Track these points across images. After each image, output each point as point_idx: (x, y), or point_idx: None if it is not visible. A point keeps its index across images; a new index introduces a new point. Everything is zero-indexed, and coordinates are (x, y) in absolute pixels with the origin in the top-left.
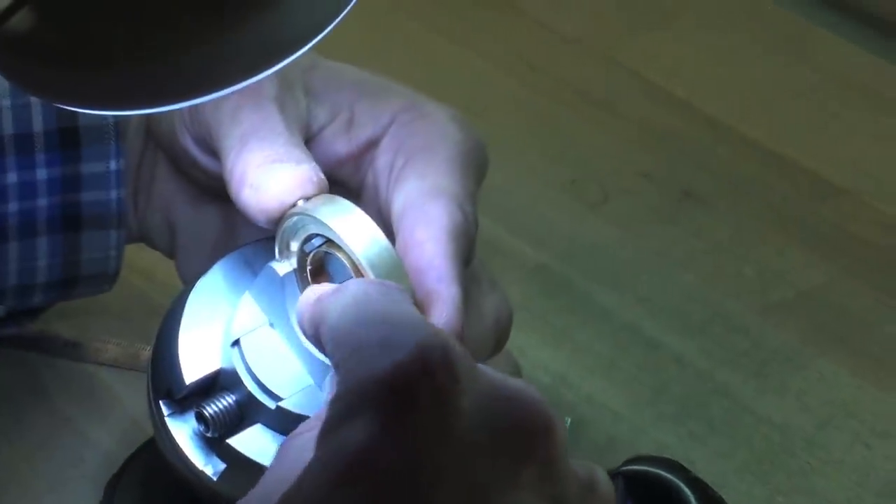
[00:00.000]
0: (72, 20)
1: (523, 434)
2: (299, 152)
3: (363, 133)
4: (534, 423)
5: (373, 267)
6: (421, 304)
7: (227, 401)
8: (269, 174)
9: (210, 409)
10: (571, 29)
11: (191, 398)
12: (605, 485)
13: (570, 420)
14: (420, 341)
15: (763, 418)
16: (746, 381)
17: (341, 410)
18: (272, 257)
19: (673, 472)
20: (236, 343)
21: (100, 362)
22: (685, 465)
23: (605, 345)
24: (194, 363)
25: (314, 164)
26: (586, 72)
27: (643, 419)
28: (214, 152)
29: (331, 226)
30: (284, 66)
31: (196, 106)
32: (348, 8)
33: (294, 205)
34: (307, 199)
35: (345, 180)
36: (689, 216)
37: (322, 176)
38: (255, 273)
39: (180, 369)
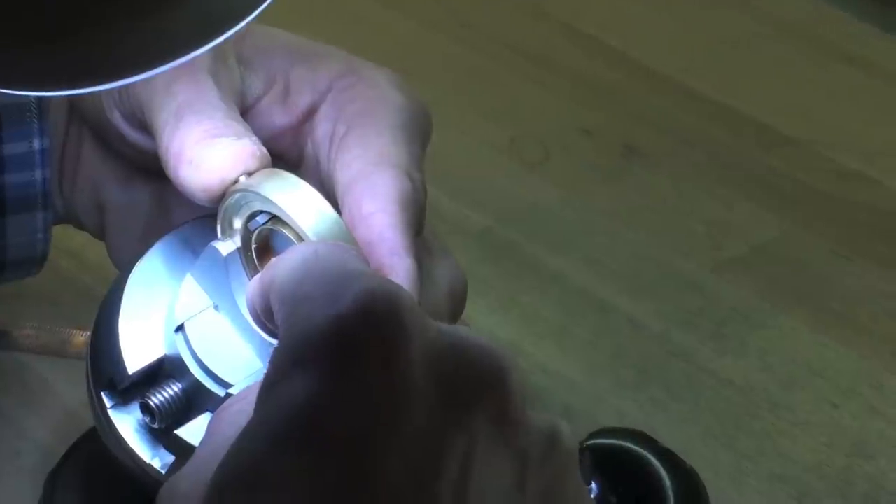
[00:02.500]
0: None
1: (474, 383)
2: (238, 125)
3: (300, 102)
4: (485, 371)
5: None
6: None
7: (173, 389)
8: (209, 149)
9: (155, 399)
10: None
11: (134, 388)
12: (569, 438)
13: None
14: (364, 290)
15: (724, 380)
16: (704, 343)
17: (282, 365)
18: (213, 237)
19: (641, 444)
20: (180, 328)
21: (29, 350)
22: (649, 433)
23: (555, 310)
24: (136, 351)
25: (254, 137)
26: (517, 26)
27: (601, 387)
28: (146, 128)
29: (276, 201)
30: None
31: None
32: None
33: (236, 181)
34: (249, 174)
35: (283, 152)
36: (633, 172)
37: (264, 150)
38: (195, 254)
39: (122, 358)
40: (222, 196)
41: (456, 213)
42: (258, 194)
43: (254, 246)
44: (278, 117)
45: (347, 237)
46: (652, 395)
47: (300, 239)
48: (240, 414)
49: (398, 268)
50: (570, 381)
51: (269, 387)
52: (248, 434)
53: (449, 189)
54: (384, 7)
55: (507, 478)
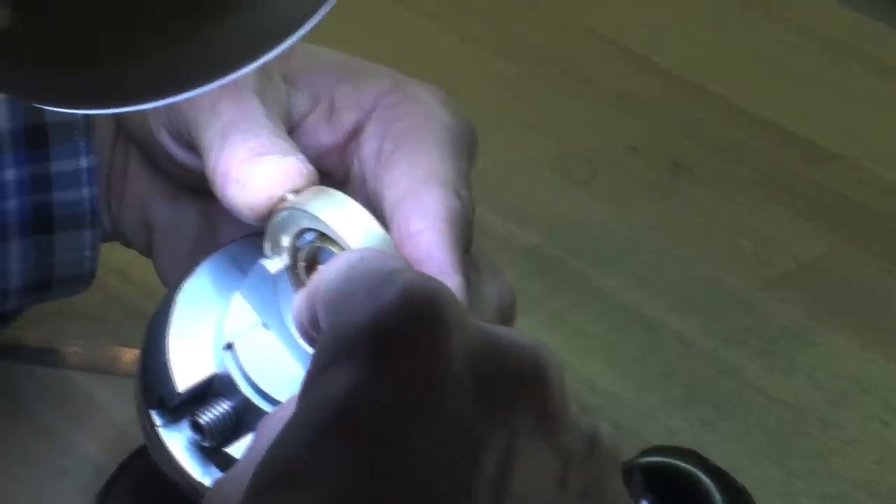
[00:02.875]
0: (49, 17)
1: (514, 379)
2: (284, 143)
3: (346, 120)
4: (525, 366)
5: None
6: None
7: (223, 407)
8: (256, 168)
9: (206, 418)
10: (545, 0)
11: (184, 406)
12: (611, 440)
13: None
14: (405, 285)
15: (773, 398)
16: (753, 360)
17: (322, 360)
18: (261, 254)
19: (691, 462)
20: (230, 346)
21: (77, 367)
22: (699, 453)
23: (603, 327)
24: (186, 369)
25: (301, 155)
26: (564, 44)
27: (649, 404)
28: (193, 147)
29: (324, 219)
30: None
31: None
32: None
33: (283, 199)
34: (296, 192)
35: (329, 170)
36: (681, 189)
37: (311, 167)
38: (243, 272)
39: (172, 376)
40: (269, 214)
41: (503, 230)
42: (306, 212)
43: (302, 264)
44: (324, 136)
45: (395, 254)
46: (701, 414)
47: None
48: (283, 421)
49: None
50: (619, 398)
51: (310, 382)
52: (287, 428)
53: (496, 206)
54: (427, 22)
55: (547, 475)
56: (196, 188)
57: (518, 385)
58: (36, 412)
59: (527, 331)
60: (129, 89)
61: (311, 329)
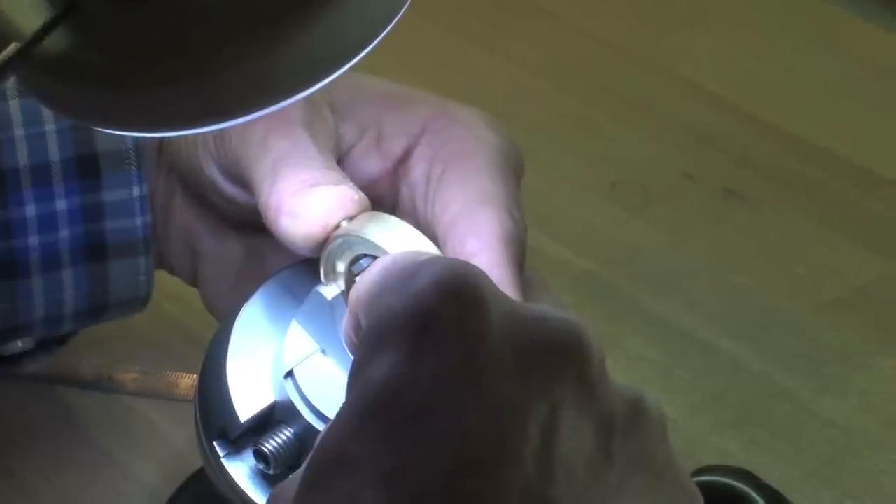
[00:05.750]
0: (110, 39)
1: (552, 353)
2: (335, 174)
3: (395, 147)
4: (563, 338)
5: None
6: None
7: (286, 434)
8: (308, 199)
9: (269, 446)
10: (601, 30)
11: (246, 435)
12: (655, 407)
13: None
14: (439, 269)
15: (826, 421)
16: (806, 383)
17: (365, 351)
18: (314, 281)
19: (743, 481)
20: (290, 374)
21: (135, 393)
22: (752, 472)
23: (658, 352)
24: (247, 399)
25: (351, 183)
26: (618, 72)
27: (703, 427)
28: (243, 182)
29: (380, 244)
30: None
31: (222, 135)
32: (393, 22)
33: (337, 226)
34: (350, 218)
35: (379, 197)
36: (735, 216)
37: (362, 194)
38: (297, 299)
39: (233, 407)
40: (324, 243)
41: (559, 256)
42: (362, 238)
43: None
44: (373, 164)
45: None
46: (753, 436)
47: None
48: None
49: None
50: (672, 421)
51: (353, 377)
52: (335, 419)
53: (551, 233)
54: (485, 53)
55: (592, 442)
56: (241, 220)
57: (557, 356)
58: (93, 437)
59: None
60: (195, 111)
61: (358, 339)
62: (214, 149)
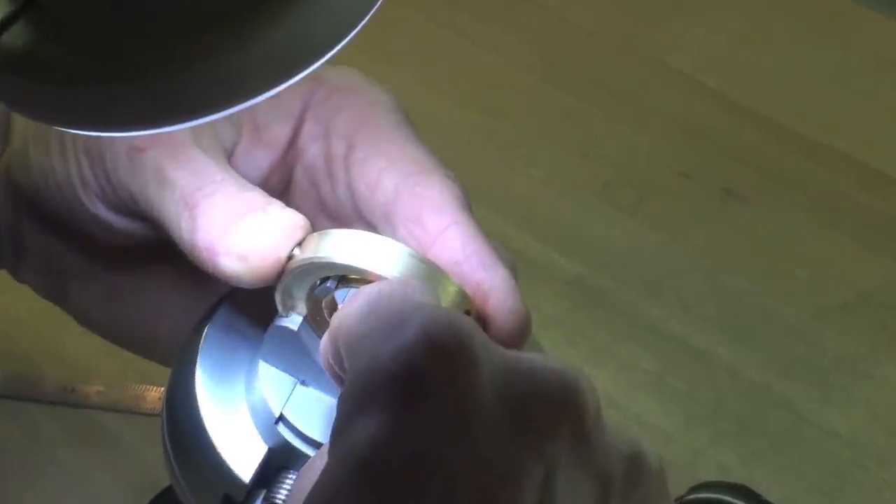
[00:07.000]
0: (71, 33)
1: (546, 405)
2: (256, 195)
3: (277, 134)
4: (557, 392)
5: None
6: (474, 298)
7: (292, 478)
8: (248, 235)
9: (280, 495)
10: (590, 20)
11: (252, 492)
12: (655, 459)
13: None
14: (424, 321)
15: (829, 432)
16: (808, 393)
17: (350, 408)
18: (256, 314)
19: (743, 498)
20: (281, 419)
21: (99, 407)
22: (751, 488)
23: (651, 360)
24: (241, 457)
25: (280, 203)
26: (609, 65)
27: (700, 439)
28: (141, 217)
29: (354, 264)
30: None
31: (103, 169)
32: (368, 17)
33: (290, 257)
34: (299, 244)
35: (272, 188)
36: (732, 216)
37: (300, 215)
38: (247, 338)
39: (231, 470)
40: (278, 276)
41: (547, 259)
42: (328, 263)
43: (325, 311)
44: (260, 158)
45: (433, 266)
46: (753, 448)
47: None
48: (319, 470)
49: (497, 279)
50: (667, 433)
51: (336, 434)
52: (317, 486)
53: (539, 234)
54: (473, 46)
55: (589, 502)
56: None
57: (550, 412)
58: (59, 452)
59: (572, 363)
60: (165, 109)
61: (339, 369)
62: (99, 188)
